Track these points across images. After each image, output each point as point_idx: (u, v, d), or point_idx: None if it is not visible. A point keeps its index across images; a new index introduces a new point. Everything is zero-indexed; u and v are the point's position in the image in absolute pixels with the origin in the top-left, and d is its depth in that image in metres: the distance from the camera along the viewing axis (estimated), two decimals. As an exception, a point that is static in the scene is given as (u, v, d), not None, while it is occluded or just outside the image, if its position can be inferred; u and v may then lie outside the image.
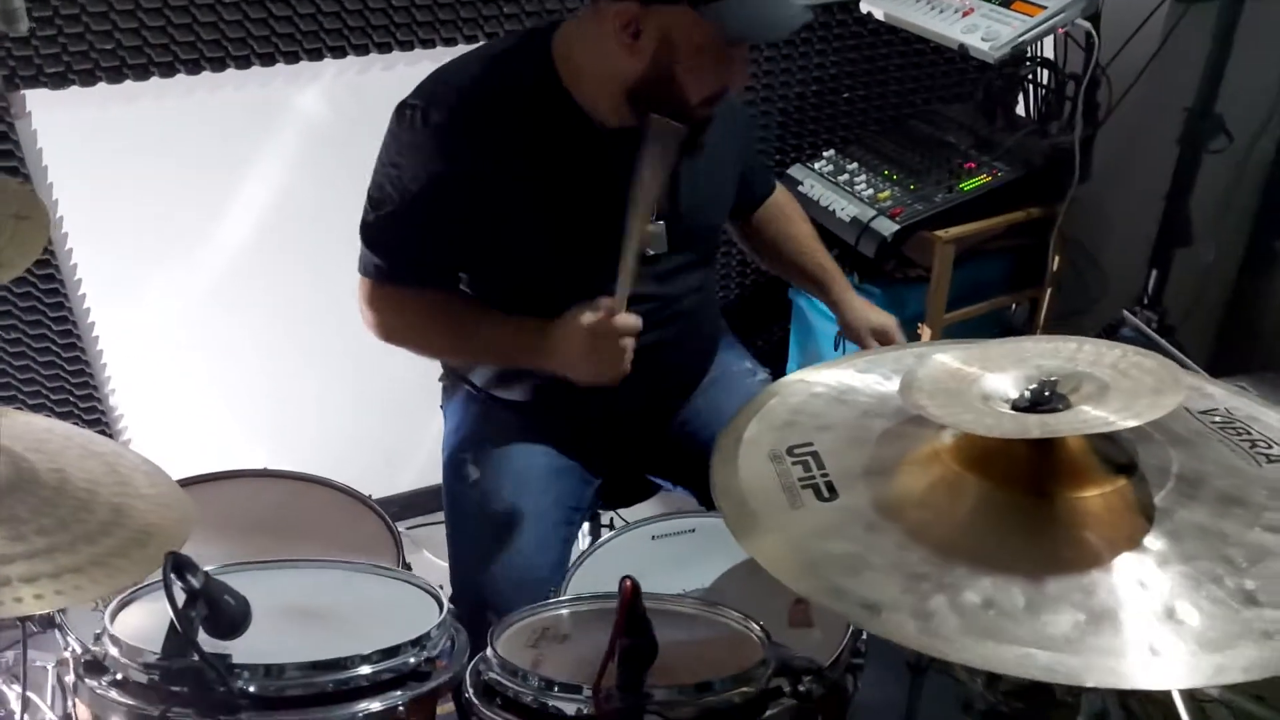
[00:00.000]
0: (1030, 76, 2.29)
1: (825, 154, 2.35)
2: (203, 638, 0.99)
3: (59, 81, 1.88)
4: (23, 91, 1.89)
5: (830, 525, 0.88)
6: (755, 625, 1.17)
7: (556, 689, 1.03)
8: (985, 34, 2.02)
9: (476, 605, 1.51)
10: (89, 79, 1.90)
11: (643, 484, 1.85)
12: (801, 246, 1.82)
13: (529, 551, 1.54)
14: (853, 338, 1.80)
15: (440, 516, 1.68)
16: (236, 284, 2.21)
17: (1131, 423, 0.84)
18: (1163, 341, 1.62)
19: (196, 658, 0.94)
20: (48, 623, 1.41)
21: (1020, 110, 2.37)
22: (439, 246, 1.49)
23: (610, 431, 1.68)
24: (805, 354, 2.51)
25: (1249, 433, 0.95)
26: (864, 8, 2.29)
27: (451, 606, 1.21)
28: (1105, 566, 0.80)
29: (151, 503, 1.20)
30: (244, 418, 2.34)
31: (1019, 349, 0.99)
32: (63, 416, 2.16)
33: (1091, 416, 0.86)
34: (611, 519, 1.98)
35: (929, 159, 2.24)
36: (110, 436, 2.23)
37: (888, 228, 2.09)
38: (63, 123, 1.95)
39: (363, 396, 2.40)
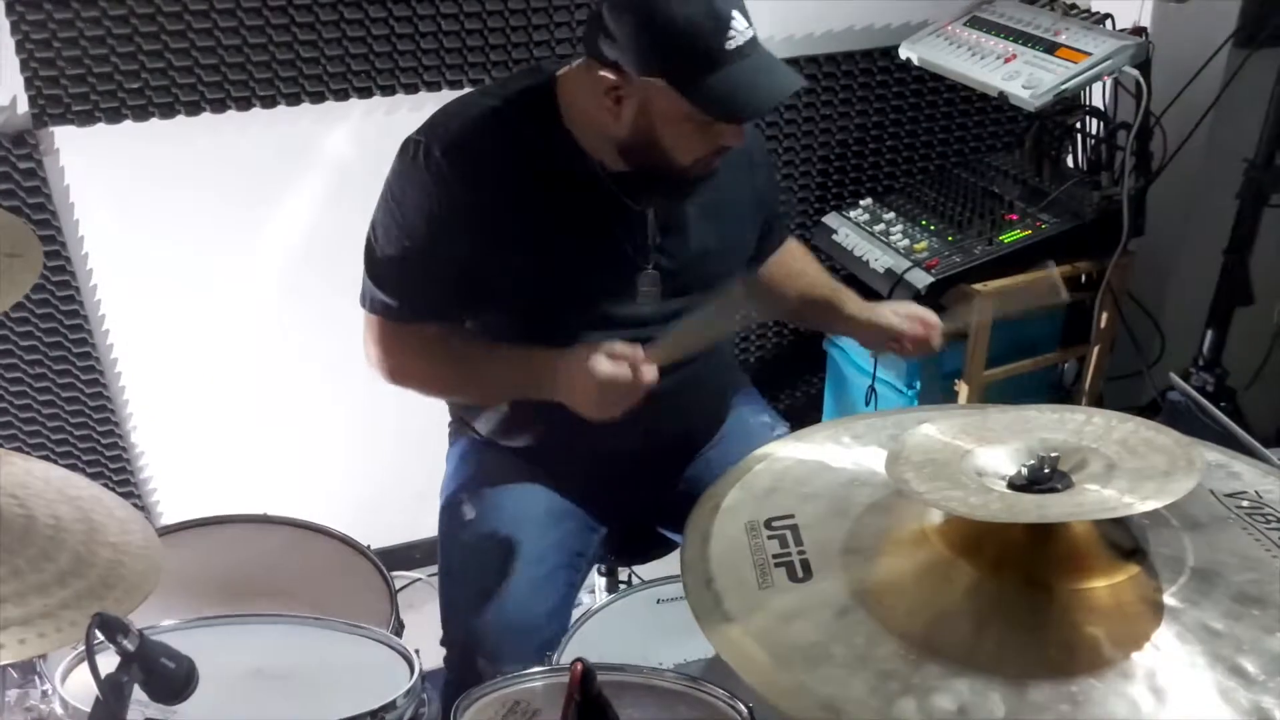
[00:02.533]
0: (1079, 126, 2.19)
1: (862, 202, 2.27)
2: (146, 700, 0.93)
3: (86, 119, 1.89)
4: (51, 129, 1.90)
5: (798, 609, 0.80)
6: (741, 706, 1.08)
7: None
8: (1026, 81, 1.94)
9: (466, 651, 1.45)
10: (115, 116, 1.90)
11: (655, 538, 1.77)
12: (812, 281, 1.72)
13: (523, 594, 1.47)
14: (876, 341, 1.63)
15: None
16: (262, 324, 2.20)
17: (1138, 508, 0.75)
18: (1210, 407, 1.50)
19: (127, 726, 0.89)
20: (28, 669, 1.38)
21: (1070, 161, 2.27)
22: (444, 284, 1.45)
23: (615, 479, 1.61)
24: (840, 406, 2.42)
25: (1278, 520, 0.85)
26: (903, 54, 2.22)
27: (423, 669, 1.15)
28: (1098, 673, 0.71)
29: (118, 552, 1.17)
30: (266, 458, 2.31)
31: (1021, 419, 0.91)
32: (85, 453, 2.16)
33: (1093, 499, 0.77)
34: (630, 576, 1.91)
35: (970, 210, 2.15)
36: (130, 474, 2.23)
37: (922, 280, 2.00)
38: (90, 160, 1.96)
39: (390, 437, 2.37)
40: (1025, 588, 0.79)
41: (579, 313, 1.48)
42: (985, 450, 0.87)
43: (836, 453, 1.01)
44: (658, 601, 1.57)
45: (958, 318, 1.64)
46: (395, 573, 1.65)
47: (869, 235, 2.17)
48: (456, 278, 1.44)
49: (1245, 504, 0.88)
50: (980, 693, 0.70)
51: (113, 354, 2.13)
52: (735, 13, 1.26)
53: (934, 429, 0.90)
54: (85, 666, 1.08)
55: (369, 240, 1.47)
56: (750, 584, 0.83)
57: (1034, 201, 2.12)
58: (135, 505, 1.78)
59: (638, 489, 1.64)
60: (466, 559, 1.55)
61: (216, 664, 0.99)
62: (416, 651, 1.19)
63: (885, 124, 2.42)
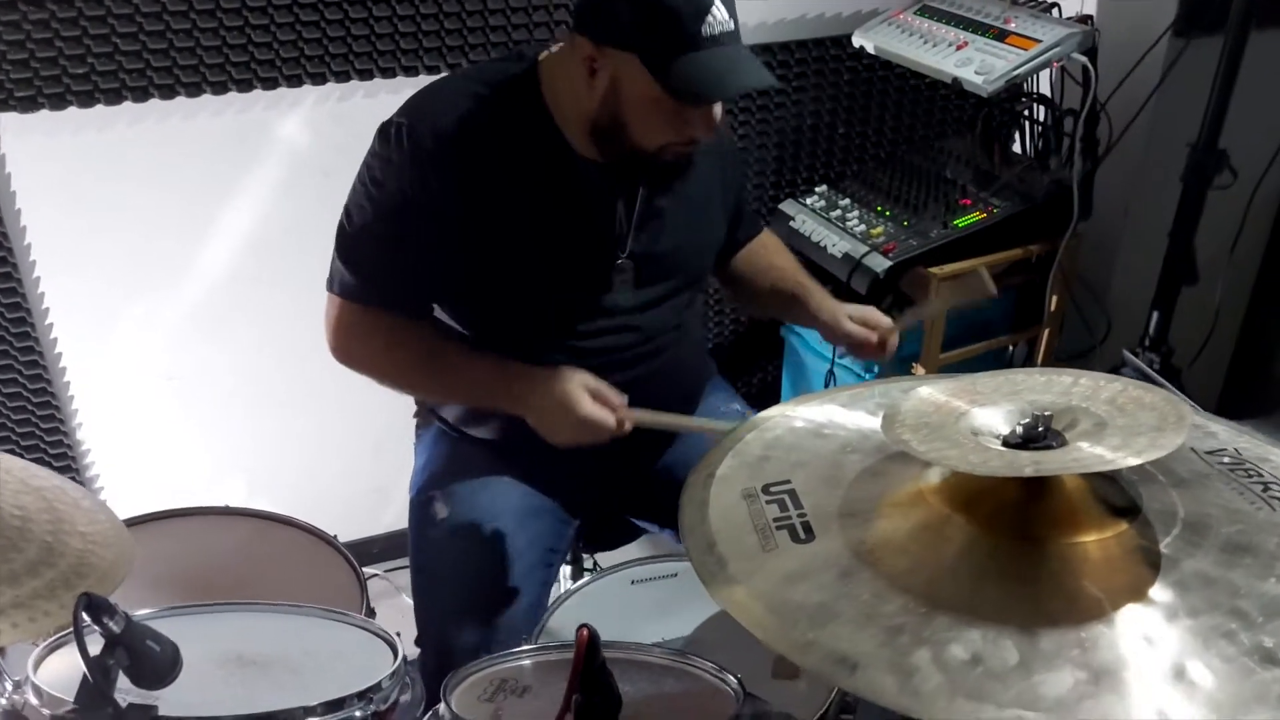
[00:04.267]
0: (1027, 112, 2.24)
1: (818, 189, 2.30)
2: (128, 687, 0.91)
3: (29, 105, 1.83)
4: (-8, 115, 1.84)
5: (803, 571, 0.80)
6: (730, 677, 1.09)
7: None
8: (979, 67, 1.98)
9: (442, 653, 1.43)
10: (60, 103, 1.85)
11: (625, 526, 1.77)
12: (783, 275, 1.74)
13: (500, 594, 1.46)
14: (833, 337, 1.65)
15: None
16: (214, 316, 2.15)
17: (1132, 461, 0.76)
18: (1164, 383, 1.54)
19: (113, 711, 0.86)
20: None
21: (1017, 147, 2.32)
22: (416, 267, 1.43)
23: (588, 471, 1.60)
24: (798, 392, 2.44)
25: (1260, 474, 0.88)
26: (856, 42, 2.25)
27: (407, 655, 1.13)
28: (1106, 619, 0.72)
29: (87, 541, 1.13)
30: (221, 454, 2.27)
31: (1011, 382, 0.92)
32: (28, 450, 2.09)
33: (1088, 454, 0.79)
34: (594, 563, 1.90)
35: (924, 194, 2.18)
36: (76, 471, 2.16)
37: (880, 264, 2.02)
38: (33, 148, 1.90)
39: (346, 431, 2.33)
40: (1022, 543, 0.81)
41: (553, 300, 1.47)
42: (979, 411, 0.88)
43: (831, 416, 1.02)
44: (632, 583, 1.57)
45: (911, 317, 1.68)
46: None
47: (826, 221, 2.19)
48: (429, 262, 1.42)
49: (1226, 460, 0.91)
50: (993, 641, 0.71)
51: (57, 348, 2.07)
52: (718, 2, 1.26)
53: (930, 391, 0.91)
54: (54, 658, 1.06)
55: (342, 222, 1.45)
56: (754, 547, 0.84)
57: (985, 185, 2.16)
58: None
59: (609, 479, 1.63)
60: (440, 559, 1.53)
61: (194, 652, 0.96)
62: (398, 634, 1.17)
63: (838, 111, 2.44)
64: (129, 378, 2.14)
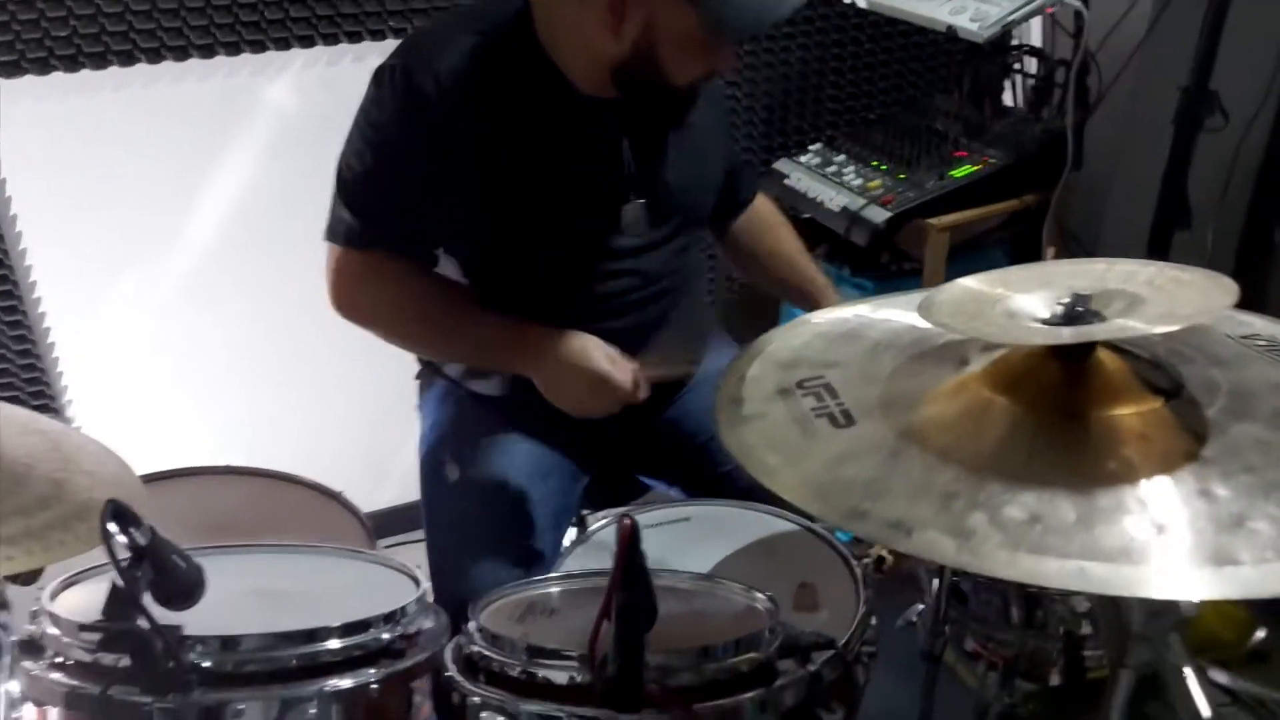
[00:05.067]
0: (1017, 65, 2.24)
1: (812, 147, 2.29)
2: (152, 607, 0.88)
3: (12, 70, 1.79)
4: (-26, 81, 1.80)
5: (849, 452, 0.79)
6: (760, 595, 1.07)
7: (546, 657, 0.93)
8: (973, 15, 1.97)
9: (458, 616, 1.41)
10: (44, 67, 1.81)
11: (632, 484, 1.75)
12: (791, 261, 1.73)
13: (515, 556, 1.44)
14: None
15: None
16: (204, 284, 2.11)
17: (1173, 327, 0.76)
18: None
19: (142, 623, 0.83)
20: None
21: (1009, 100, 2.32)
22: (420, 209, 1.41)
23: (596, 425, 1.58)
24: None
25: (1297, 353, 0.87)
26: (848, -3, 2.24)
27: (429, 587, 1.12)
28: (1159, 478, 0.71)
29: (96, 479, 1.11)
30: (215, 426, 2.23)
31: (1045, 272, 0.92)
32: (17, 428, 2.05)
33: (1131, 325, 0.78)
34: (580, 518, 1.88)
35: (918, 148, 2.18)
36: (68, 450, 2.11)
37: (879, 215, 2.02)
38: (18, 114, 1.85)
39: (342, 404, 2.30)
40: (1067, 419, 0.80)
41: (560, 241, 1.45)
42: (1017, 297, 0.87)
43: (859, 317, 1.01)
44: (645, 528, 1.54)
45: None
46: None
47: (822, 177, 2.18)
48: (432, 203, 1.40)
49: (1261, 343, 0.90)
50: (1049, 501, 0.70)
51: (45, 322, 2.03)
52: None
53: (965, 281, 0.91)
54: (71, 592, 1.04)
55: (340, 169, 1.42)
56: (794, 436, 0.82)
57: (978, 138, 2.16)
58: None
59: (614, 434, 1.61)
60: (454, 524, 1.51)
61: (215, 587, 0.94)
62: (419, 566, 1.16)
63: (826, 71, 2.44)
64: (118, 349, 2.10)
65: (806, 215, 2.17)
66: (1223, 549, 0.65)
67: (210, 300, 2.12)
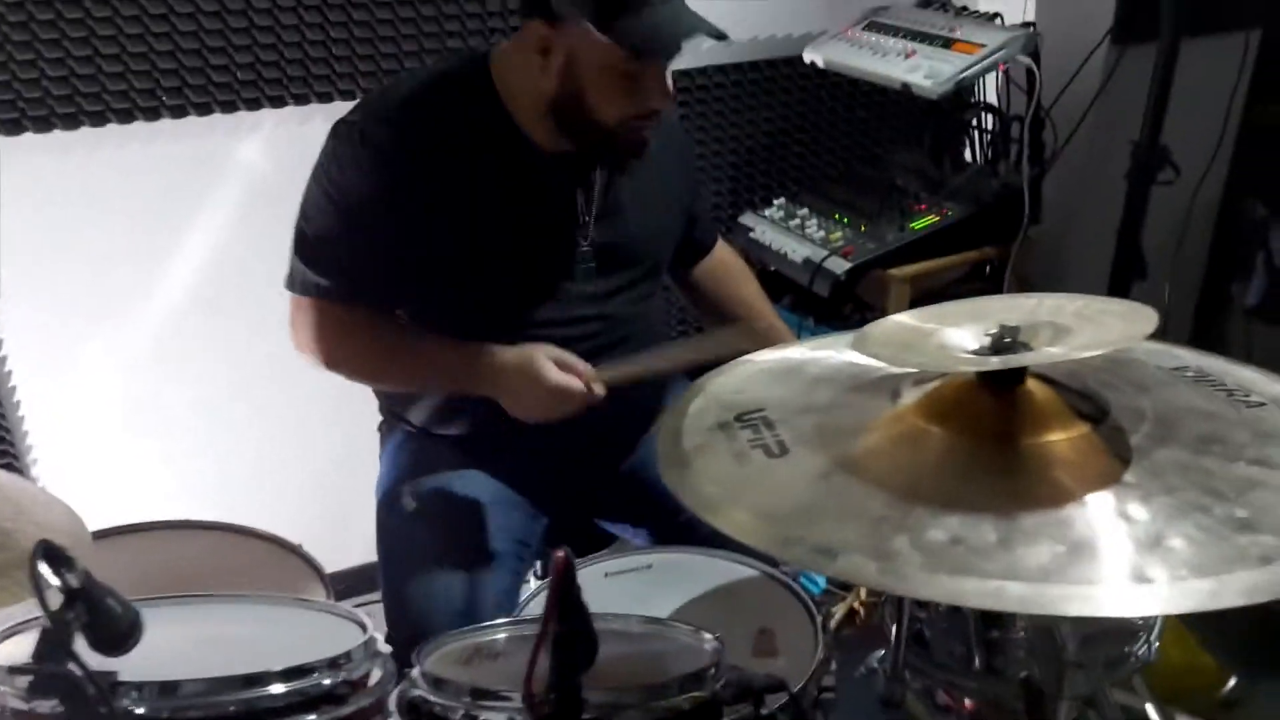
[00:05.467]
0: (975, 121, 2.29)
1: (776, 201, 2.33)
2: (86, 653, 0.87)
3: (-16, 130, 1.82)
4: (-56, 140, 1.82)
5: (783, 482, 0.80)
6: (708, 636, 1.07)
7: (488, 699, 0.92)
8: (928, 72, 2.03)
9: (414, 643, 1.40)
10: (15, 128, 1.84)
11: (592, 532, 1.75)
12: (751, 310, 1.75)
13: (471, 588, 1.43)
14: None
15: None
16: (174, 342, 2.11)
17: (1093, 352, 0.77)
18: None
19: (73, 667, 0.82)
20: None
21: (972, 156, 2.37)
22: (380, 263, 1.43)
23: (553, 468, 1.59)
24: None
25: (1224, 384, 0.89)
26: (807, 58, 2.30)
27: (377, 636, 1.11)
28: (1082, 501, 0.72)
29: (43, 528, 1.10)
30: (182, 484, 2.21)
31: (978, 307, 0.93)
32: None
33: (1055, 352, 0.80)
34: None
35: (880, 202, 2.22)
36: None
37: (840, 266, 2.05)
38: (-12, 173, 1.88)
39: (308, 462, 2.29)
40: (997, 445, 0.81)
41: (515, 291, 1.47)
42: (948, 331, 0.89)
43: (800, 356, 1.02)
44: (605, 575, 1.54)
45: None
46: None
47: (785, 230, 2.22)
48: (393, 256, 1.42)
49: (1191, 374, 0.92)
50: (972, 525, 0.70)
51: (11, 381, 2.02)
52: None
53: (899, 317, 0.92)
54: (12, 642, 1.02)
55: (299, 225, 1.45)
56: (730, 468, 0.83)
57: (938, 192, 2.20)
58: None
59: (576, 478, 1.62)
60: (410, 549, 1.50)
61: (159, 634, 0.93)
62: (369, 615, 1.15)
63: (791, 129, 2.49)
64: (85, 406, 2.09)
65: (772, 268, 2.20)
66: (1139, 567, 0.66)
67: (180, 358, 2.12)
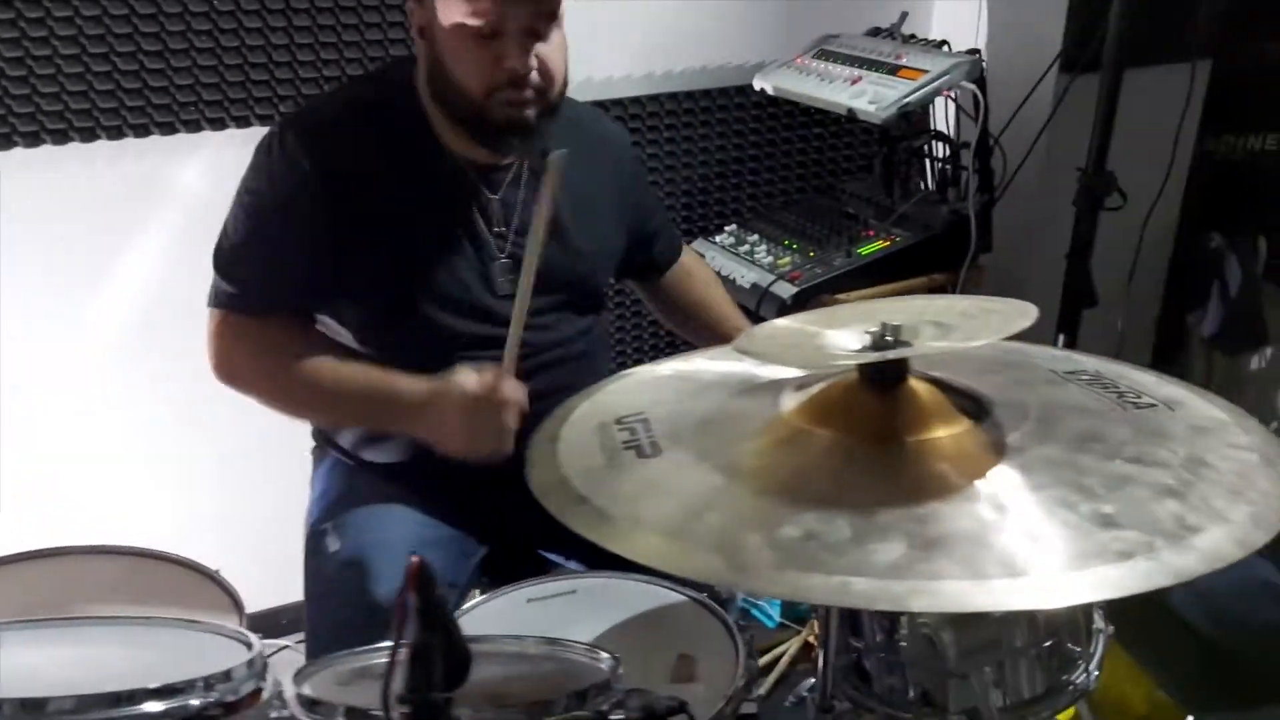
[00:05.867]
0: (926, 148, 2.29)
1: (727, 228, 2.32)
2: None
3: (-88, 151, 1.80)
4: (-125, 161, 1.80)
5: (649, 481, 0.77)
6: (603, 653, 1.03)
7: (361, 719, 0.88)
8: (872, 98, 2.02)
9: None
10: (-54, 147, 1.82)
11: (534, 559, 1.70)
12: (718, 313, 1.74)
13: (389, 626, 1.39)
14: None
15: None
16: (112, 373, 2.08)
17: (968, 345, 0.75)
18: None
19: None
20: None
21: (921, 185, 2.36)
22: (292, 270, 1.41)
23: (490, 497, 1.55)
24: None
25: (1116, 387, 0.87)
26: (756, 85, 2.30)
27: (264, 652, 1.06)
28: (944, 499, 0.69)
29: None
30: (116, 506, 2.17)
31: (867, 309, 0.91)
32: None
33: (930, 345, 0.77)
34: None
35: (829, 228, 2.21)
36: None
37: (787, 291, 2.03)
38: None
39: (252, 495, 2.25)
40: (873, 444, 0.78)
41: (435, 300, 1.44)
42: (832, 332, 0.87)
43: (698, 366, 1.00)
44: (528, 601, 1.50)
45: None
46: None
47: (735, 256, 2.20)
48: (306, 266, 1.40)
49: (1085, 378, 0.89)
50: (827, 521, 0.67)
51: (-56, 404, 1.99)
52: None
53: (786, 320, 0.90)
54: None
55: (219, 238, 1.43)
56: (598, 466, 0.80)
57: (887, 219, 2.19)
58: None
59: (514, 506, 1.57)
60: (330, 591, 1.46)
61: (30, 655, 0.90)
62: (260, 636, 1.10)
63: (744, 157, 2.48)
64: (24, 427, 2.05)
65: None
66: (991, 562, 0.63)
67: (117, 389, 2.09)
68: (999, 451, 0.75)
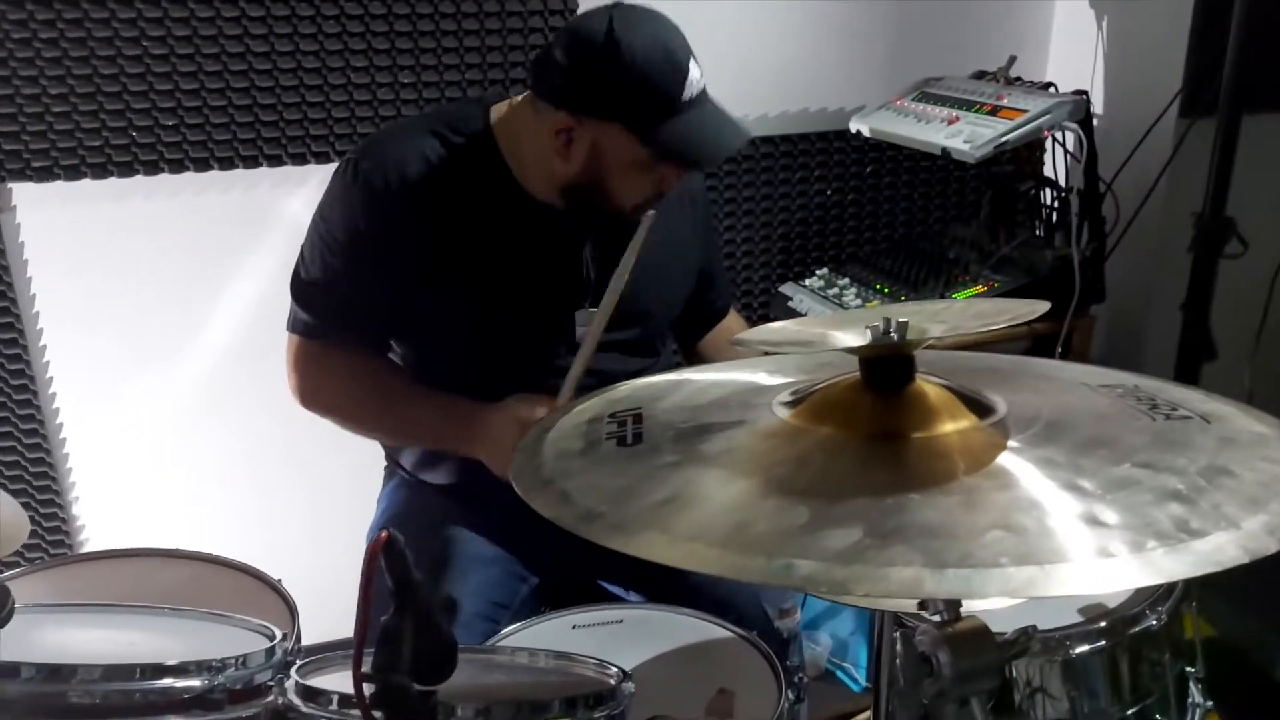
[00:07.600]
0: (1037, 194, 2.20)
1: (818, 271, 2.27)
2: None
3: (44, 175, 1.93)
4: (9, 184, 1.93)
5: (620, 467, 0.74)
6: (612, 668, 0.99)
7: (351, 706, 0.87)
8: (967, 137, 1.96)
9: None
10: (74, 174, 1.95)
11: (593, 589, 1.67)
12: None
13: None
14: None
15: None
16: (220, 391, 2.17)
17: (963, 330, 0.70)
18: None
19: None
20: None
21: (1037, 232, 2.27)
22: (367, 305, 1.44)
23: (542, 522, 1.53)
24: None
25: (1153, 400, 0.79)
26: (853, 127, 2.26)
27: (288, 647, 1.07)
28: (920, 491, 0.64)
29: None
30: (217, 539, 2.23)
31: (880, 313, 0.86)
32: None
33: (930, 331, 0.72)
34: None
35: (926, 272, 2.14)
36: (69, 548, 2.16)
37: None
38: (47, 217, 1.99)
39: (342, 521, 2.28)
40: (880, 439, 0.73)
41: (514, 346, 1.45)
42: (838, 331, 0.82)
43: (720, 373, 0.97)
44: (574, 628, 1.47)
45: None
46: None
47: (822, 299, 2.15)
48: (382, 300, 1.42)
49: (1120, 392, 0.82)
50: (787, 509, 0.63)
51: (59, 418, 2.10)
52: (691, 61, 1.28)
53: (789, 322, 0.86)
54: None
55: (296, 263, 1.48)
56: (575, 452, 0.78)
57: (988, 263, 2.11)
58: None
59: (562, 532, 1.55)
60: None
61: (66, 636, 0.93)
62: (286, 634, 1.11)
63: (843, 201, 2.44)
64: (132, 453, 2.15)
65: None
66: (948, 556, 0.57)
67: (225, 407, 2.17)
68: (993, 452, 0.69)
